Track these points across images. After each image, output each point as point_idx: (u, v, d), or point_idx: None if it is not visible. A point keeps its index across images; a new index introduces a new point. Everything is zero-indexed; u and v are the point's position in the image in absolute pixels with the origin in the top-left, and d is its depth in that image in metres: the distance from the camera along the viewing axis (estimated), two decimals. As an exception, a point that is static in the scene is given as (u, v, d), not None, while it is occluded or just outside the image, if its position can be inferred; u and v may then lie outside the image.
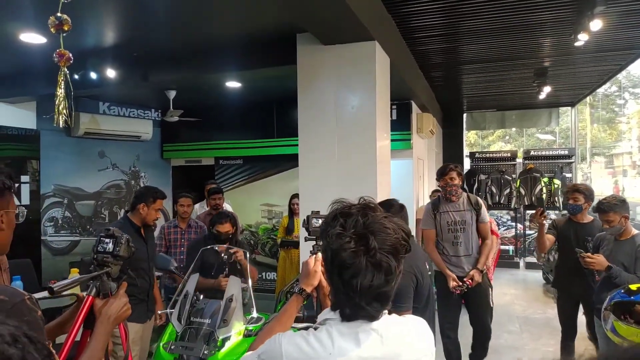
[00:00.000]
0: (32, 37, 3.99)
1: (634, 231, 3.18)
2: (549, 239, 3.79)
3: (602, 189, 18.19)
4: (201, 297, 2.21)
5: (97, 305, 1.44)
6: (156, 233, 4.19)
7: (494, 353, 4.79)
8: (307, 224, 1.67)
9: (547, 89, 6.78)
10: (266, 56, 4.36)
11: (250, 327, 2.09)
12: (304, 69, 3.96)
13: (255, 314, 2.10)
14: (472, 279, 3.65)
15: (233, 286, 2.05)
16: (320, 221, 1.63)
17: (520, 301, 6.91)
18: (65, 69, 2.00)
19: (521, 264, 9.43)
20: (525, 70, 6.41)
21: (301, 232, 4.17)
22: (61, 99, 1.97)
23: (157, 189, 3.28)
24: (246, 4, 3.57)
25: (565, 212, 9.31)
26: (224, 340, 1.95)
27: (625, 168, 23.34)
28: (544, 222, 3.72)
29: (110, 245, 1.55)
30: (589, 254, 3.23)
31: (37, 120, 6.15)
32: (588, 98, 10.33)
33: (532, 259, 9.22)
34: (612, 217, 3.10)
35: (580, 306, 3.79)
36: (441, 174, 3.80)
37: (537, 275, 8.35)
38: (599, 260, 3.10)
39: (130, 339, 2.05)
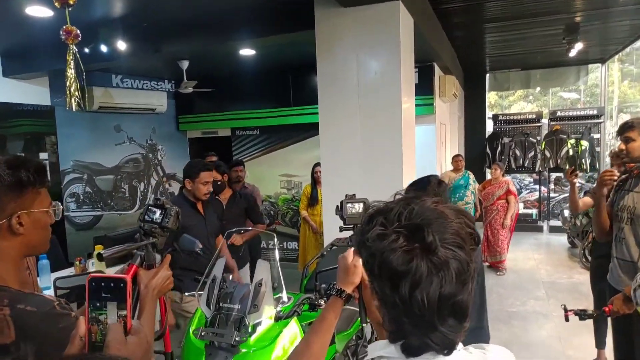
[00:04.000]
0: (38, 10, 3.85)
1: None
2: (585, 202, 3.54)
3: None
4: (230, 277, 2.13)
5: (140, 275, 1.38)
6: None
7: (522, 320, 4.73)
8: (341, 210, 1.50)
9: (578, 46, 6.40)
10: (282, 21, 4.14)
11: (280, 308, 2.01)
12: (323, 33, 3.75)
13: (284, 296, 2.02)
14: None
15: (262, 270, 1.96)
16: (356, 206, 1.49)
17: (545, 266, 6.79)
18: (74, 47, 1.87)
19: (545, 227, 9.26)
20: (554, 27, 6.06)
21: (323, 208, 4.07)
22: (72, 80, 1.85)
23: (201, 162, 3.18)
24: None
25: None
26: (255, 325, 1.88)
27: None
28: (575, 181, 3.44)
29: (158, 215, 1.49)
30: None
31: (51, 95, 6.08)
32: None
33: (556, 223, 9.03)
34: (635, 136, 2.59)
35: None
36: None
37: (562, 239, 8.18)
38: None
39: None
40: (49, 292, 3.33)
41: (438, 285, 0.75)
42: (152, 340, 1.29)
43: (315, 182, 5.50)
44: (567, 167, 3.66)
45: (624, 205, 2.57)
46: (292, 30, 4.11)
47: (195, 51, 5.15)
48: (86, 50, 4.63)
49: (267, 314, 1.91)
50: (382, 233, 0.80)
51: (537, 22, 5.84)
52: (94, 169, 6.53)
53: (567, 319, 2.37)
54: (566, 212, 7.61)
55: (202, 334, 1.85)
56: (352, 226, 1.48)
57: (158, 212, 1.50)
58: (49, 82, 6.03)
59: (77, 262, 3.90)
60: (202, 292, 2.00)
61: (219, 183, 3.88)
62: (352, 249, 1.27)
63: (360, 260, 1.20)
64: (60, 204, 1.21)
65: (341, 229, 1.50)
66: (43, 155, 5.81)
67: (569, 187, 3.50)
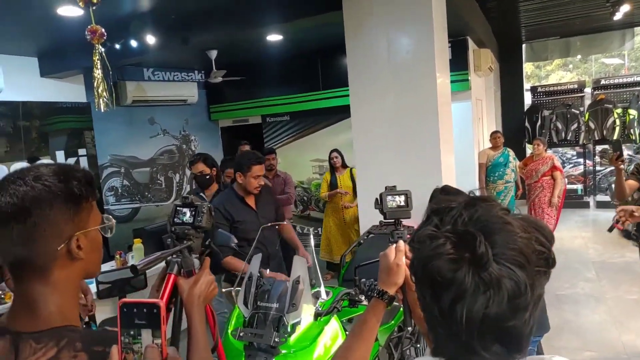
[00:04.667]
0: (69, 10, 3.89)
1: None
2: (630, 185, 3.25)
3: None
4: (267, 271, 2.08)
5: (181, 284, 1.26)
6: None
7: (573, 303, 4.53)
8: (380, 204, 1.40)
9: (624, 8, 5.97)
10: (308, 3, 4.02)
11: (319, 305, 1.96)
12: (351, 13, 3.62)
13: (323, 292, 1.96)
14: None
15: (299, 266, 1.89)
16: (397, 199, 1.39)
17: (594, 245, 6.49)
18: (100, 47, 1.83)
19: (591, 203, 8.85)
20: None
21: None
22: (99, 80, 1.82)
23: (253, 154, 3.06)
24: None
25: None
26: (294, 325, 1.83)
27: None
28: (621, 166, 3.19)
29: (189, 216, 1.36)
30: None
31: (87, 92, 6.19)
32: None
33: (603, 198, 8.61)
34: None
35: None
36: None
37: (610, 215, 7.72)
38: None
39: None
40: (92, 287, 3.41)
41: (483, 305, 0.65)
42: (210, 355, 1.20)
43: (333, 168, 5.39)
44: (612, 151, 3.35)
45: None
46: (318, 12, 3.99)
47: (223, 40, 5.12)
48: (117, 46, 4.68)
49: (306, 313, 1.86)
50: (431, 234, 0.71)
51: (576, -15, 5.48)
52: (131, 162, 6.66)
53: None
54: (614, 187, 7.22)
55: (241, 334, 1.82)
56: (393, 221, 1.38)
57: (188, 211, 1.37)
58: (84, 79, 6.14)
59: (118, 256, 3.97)
60: (239, 289, 1.97)
61: (207, 177, 3.63)
62: (394, 246, 1.18)
63: (404, 259, 1.15)
64: (111, 217, 1.04)
65: (381, 224, 1.40)
66: (82, 151, 5.96)
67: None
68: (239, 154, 3.20)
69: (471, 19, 5.29)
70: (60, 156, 5.68)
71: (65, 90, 5.99)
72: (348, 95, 3.81)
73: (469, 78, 5.90)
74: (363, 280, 1.99)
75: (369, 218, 3.63)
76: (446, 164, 3.55)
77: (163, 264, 1.35)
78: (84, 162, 5.91)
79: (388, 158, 3.63)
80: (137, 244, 3.96)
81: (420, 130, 3.51)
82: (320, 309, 1.92)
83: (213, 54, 5.64)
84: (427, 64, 3.44)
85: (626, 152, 8.00)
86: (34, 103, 5.47)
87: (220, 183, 3.85)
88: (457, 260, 0.66)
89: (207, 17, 4.55)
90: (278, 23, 4.42)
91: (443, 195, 1.83)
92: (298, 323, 1.83)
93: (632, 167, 3.45)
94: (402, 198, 1.41)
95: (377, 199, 1.42)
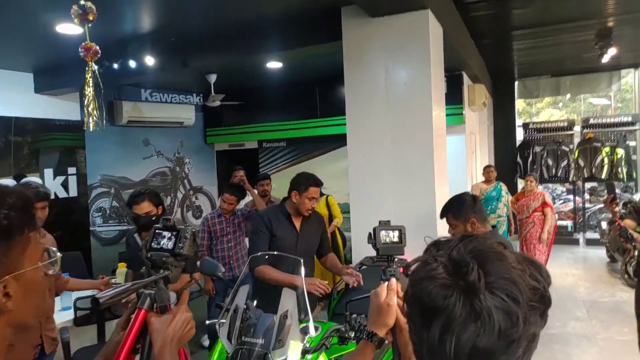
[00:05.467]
0: (68, 28, 3.90)
1: None
2: (628, 225, 3.29)
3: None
4: (254, 304, 2.00)
5: (153, 323, 1.07)
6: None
7: (563, 343, 4.47)
8: (374, 239, 1.35)
9: (611, 51, 6.15)
10: (309, 33, 4.09)
11: (307, 341, 1.88)
12: (350, 44, 3.67)
13: (311, 327, 1.88)
14: None
15: (287, 300, 1.82)
16: (391, 234, 1.36)
17: (585, 282, 6.46)
18: (93, 64, 1.81)
19: (581, 240, 8.88)
20: (584, 32, 5.85)
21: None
22: (90, 98, 1.79)
23: (312, 175, 2.96)
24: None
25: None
26: (279, 363, 1.75)
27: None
28: (616, 209, 3.25)
29: (170, 241, 1.17)
30: None
31: (81, 110, 6.16)
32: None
33: (592, 235, 8.65)
34: None
35: None
36: None
37: (600, 253, 7.80)
38: None
39: None
40: (69, 312, 3.24)
41: (473, 335, 0.62)
42: None
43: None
44: (607, 194, 3.40)
45: None
46: (319, 41, 4.04)
47: (223, 65, 5.16)
48: (115, 65, 4.68)
49: (293, 350, 1.78)
50: (426, 260, 0.70)
51: (567, 28, 5.64)
52: (121, 183, 6.58)
53: None
54: (603, 225, 7.26)
55: (223, 372, 1.74)
56: (386, 257, 1.33)
57: (170, 236, 1.19)
58: (79, 97, 6.11)
59: (96, 295, 3.81)
60: (224, 321, 1.89)
61: (153, 218, 2.93)
62: (386, 284, 1.12)
63: (395, 299, 1.09)
64: (57, 250, 0.84)
65: (374, 261, 1.36)
66: (72, 170, 5.89)
67: (605, 201, 3.26)
68: (301, 173, 3.04)
69: (467, 55, 5.40)
70: (48, 174, 5.60)
71: (59, 108, 5.95)
72: (345, 124, 3.82)
73: (464, 112, 5.98)
74: (354, 316, 1.92)
75: (361, 248, 3.59)
76: (440, 196, 3.54)
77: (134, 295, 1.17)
78: (73, 181, 5.84)
79: (383, 187, 3.63)
80: (122, 267, 3.79)
81: (416, 161, 3.52)
82: (308, 345, 1.85)
83: (212, 77, 5.67)
84: (423, 96, 3.48)
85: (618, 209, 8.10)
86: (27, 119, 5.43)
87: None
88: (449, 286, 0.65)
89: (208, 41, 4.60)
90: (279, 51, 4.47)
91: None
92: (284, 360, 1.75)
93: (620, 206, 3.47)
94: (396, 234, 1.37)
95: (370, 234, 1.38)
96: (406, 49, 3.48)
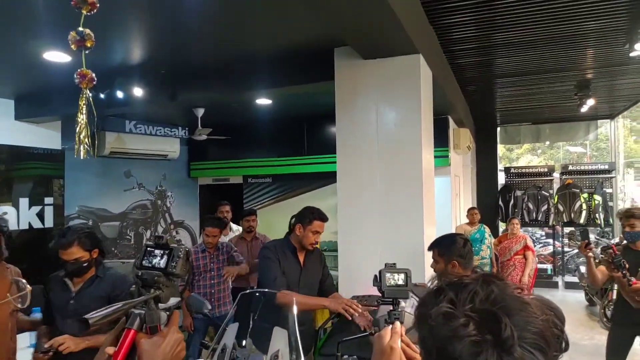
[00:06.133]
0: (55, 56, 3.85)
1: None
2: (602, 271, 3.32)
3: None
4: (244, 343, 1.91)
5: (142, 344, 1.03)
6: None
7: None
8: (379, 281, 1.33)
9: (589, 102, 6.40)
10: (301, 72, 4.14)
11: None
12: (343, 84, 3.72)
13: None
14: None
15: (278, 340, 1.75)
16: (397, 277, 1.33)
17: (565, 326, 6.44)
18: (88, 92, 1.76)
19: (560, 283, 8.94)
20: (564, 83, 6.09)
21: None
22: (83, 126, 1.74)
23: (316, 209, 2.91)
24: (281, 17, 3.37)
25: (611, 238, 8.87)
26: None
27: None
28: (590, 255, 3.29)
29: (162, 259, 1.13)
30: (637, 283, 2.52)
31: (62, 139, 6.04)
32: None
33: (571, 279, 8.73)
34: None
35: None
36: None
37: (579, 296, 7.86)
38: None
39: None
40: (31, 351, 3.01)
41: None
42: None
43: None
44: (581, 239, 3.50)
45: None
46: (311, 80, 4.09)
47: (211, 99, 5.14)
48: (101, 95, 4.63)
49: (285, 393, 1.69)
50: (450, 312, 0.66)
51: (548, 78, 5.87)
52: (100, 215, 6.40)
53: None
54: (582, 268, 7.34)
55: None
56: (391, 300, 1.31)
57: (162, 254, 1.14)
58: (61, 126, 6.00)
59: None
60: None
61: (84, 265, 2.45)
62: (390, 327, 1.11)
63: (399, 342, 1.07)
64: (27, 284, 0.77)
65: (379, 303, 1.33)
66: (48, 200, 5.70)
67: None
68: (307, 207, 2.97)
69: (453, 99, 5.54)
70: (24, 204, 5.40)
71: (39, 136, 5.80)
72: (331, 162, 3.84)
73: (449, 155, 6.07)
74: (345, 357, 1.86)
75: (349, 287, 3.52)
76: (428, 236, 3.52)
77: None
78: (49, 211, 5.64)
79: (372, 226, 3.60)
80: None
81: (405, 201, 3.51)
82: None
83: (200, 111, 5.66)
84: (413, 138, 3.51)
85: (592, 236, 8.26)
86: (3, 146, 5.27)
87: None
88: (480, 343, 0.62)
89: (198, 75, 4.60)
90: (269, 88, 4.50)
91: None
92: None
93: (599, 250, 3.53)
94: (402, 276, 1.37)
95: (375, 276, 1.38)
96: (397, 91, 3.54)
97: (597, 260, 3.34)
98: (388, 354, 1.05)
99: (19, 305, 0.72)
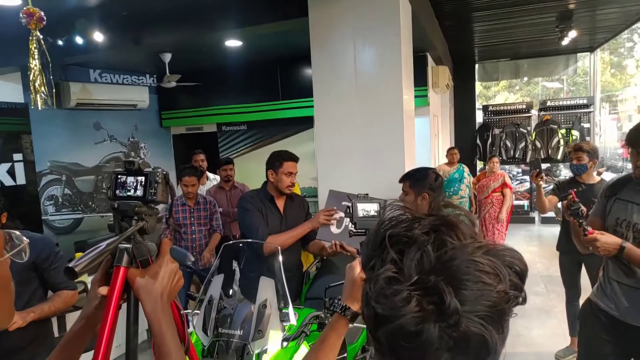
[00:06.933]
0: (5, -1, 3.52)
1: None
2: (551, 200, 3.60)
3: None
4: (231, 292, 1.87)
5: (137, 281, 0.94)
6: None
7: (523, 318, 4.58)
8: (351, 212, 1.27)
9: (572, 34, 6.27)
10: (272, 9, 3.89)
11: (286, 328, 1.78)
12: (317, 21, 3.52)
13: (292, 315, 1.78)
14: None
15: (265, 289, 1.71)
16: (369, 207, 1.28)
17: (541, 259, 6.69)
18: (38, 33, 1.58)
19: (536, 218, 9.20)
20: (545, 15, 5.92)
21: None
22: (37, 72, 1.57)
23: (285, 151, 2.83)
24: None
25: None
26: (260, 354, 1.64)
27: (630, 113, 22.84)
28: (540, 183, 3.55)
29: (138, 187, 1.01)
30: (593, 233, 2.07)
31: (24, 92, 5.72)
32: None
33: (548, 214, 8.97)
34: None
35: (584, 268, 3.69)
36: None
37: (554, 230, 8.02)
38: (608, 241, 1.98)
39: None
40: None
41: None
42: None
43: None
44: (531, 169, 3.68)
45: (629, 222, 2.00)
46: (283, 17, 3.86)
47: (178, 43, 4.86)
48: (60, 42, 4.32)
49: (273, 340, 1.67)
50: (392, 278, 0.59)
51: (528, 10, 5.69)
52: (73, 170, 6.20)
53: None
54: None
55: (200, 365, 1.61)
56: (364, 231, 1.26)
57: (136, 181, 1.02)
58: (21, 77, 5.66)
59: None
60: (197, 312, 1.76)
61: None
62: (360, 258, 1.06)
63: None
64: (23, 236, 0.72)
65: (351, 235, 1.29)
66: (18, 156, 5.47)
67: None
68: (274, 152, 2.86)
69: (432, 36, 5.35)
70: (-8, 161, 5.18)
71: (0, 89, 5.50)
72: (307, 107, 3.71)
73: (428, 94, 5.96)
74: (332, 300, 1.85)
75: (328, 231, 3.50)
76: (409, 178, 3.49)
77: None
78: (20, 168, 5.43)
79: (351, 169, 3.54)
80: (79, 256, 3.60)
81: (385, 143, 3.44)
82: (286, 333, 1.75)
83: (167, 57, 5.37)
84: (393, 77, 3.39)
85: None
86: (-36, 102, 4.97)
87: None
88: (424, 317, 0.57)
89: (162, 17, 4.30)
90: (239, 28, 4.24)
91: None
92: (265, 352, 1.65)
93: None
94: (374, 207, 1.31)
95: (347, 207, 1.32)
96: (376, 27, 3.37)
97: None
98: (359, 284, 1.04)
99: (18, 260, 0.65)
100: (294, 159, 2.79)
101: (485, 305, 0.57)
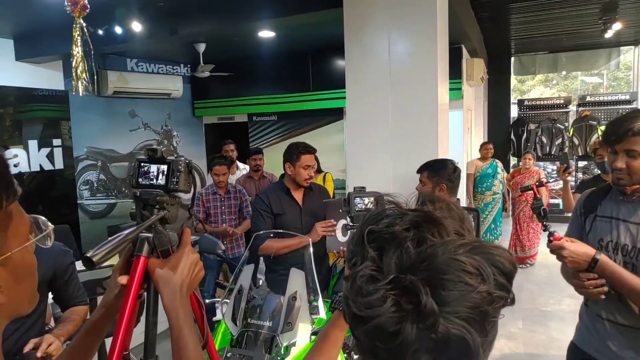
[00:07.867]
0: (50, -11, 3.62)
1: None
2: (577, 198, 3.40)
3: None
4: (260, 282, 1.88)
5: (157, 272, 0.93)
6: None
7: (558, 320, 4.47)
8: (347, 206, 1.24)
9: (616, 26, 6.00)
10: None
11: (315, 320, 1.77)
12: (352, 11, 3.47)
13: (321, 307, 1.77)
14: None
15: (295, 281, 1.71)
16: (366, 201, 1.25)
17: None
18: (82, 21, 1.61)
19: (572, 217, 8.91)
20: (588, 6, 5.67)
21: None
22: (79, 59, 1.61)
23: (302, 143, 2.81)
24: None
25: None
26: (289, 346, 1.64)
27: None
28: (569, 179, 3.48)
29: (161, 176, 0.99)
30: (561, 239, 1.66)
31: (65, 80, 5.90)
32: None
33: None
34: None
35: None
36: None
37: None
38: (577, 251, 1.59)
39: None
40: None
41: None
42: (202, 356, 0.93)
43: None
44: (559, 164, 3.53)
45: (616, 244, 1.65)
46: (317, 8, 3.84)
47: (212, 33, 4.91)
48: (100, 32, 4.42)
49: (302, 333, 1.67)
50: (372, 277, 0.57)
51: (570, 1, 5.47)
52: (108, 156, 6.38)
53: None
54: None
55: (228, 355, 1.63)
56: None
57: (159, 169, 1.00)
58: (62, 66, 5.84)
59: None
60: (227, 301, 1.78)
61: None
62: None
63: None
64: (47, 221, 0.70)
65: (347, 229, 1.25)
66: (57, 142, 5.66)
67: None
68: (291, 144, 2.86)
69: (468, 27, 5.22)
70: (33, 146, 5.36)
71: (41, 77, 5.68)
72: (338, 98, 3.67)
73: (462, 87, 5.83)
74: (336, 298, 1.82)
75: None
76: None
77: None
78: (58, 153, 5.62)
79: (383, 162, 3.49)
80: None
81: (419, 137, 3.37)
82: (315, 327, 1.75)
83: (201, 47, 5.43)
84: (429, 68, 3.31)
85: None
86: (8, 88, 5.16)
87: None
88: (401, 318, 0.55)
89: (197, 8, 4.35)
90: (272, 18, 4.24)
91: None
92: (293, 344, 1.65)
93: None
94: (371, 200, 1.27)
95: (344, 200, 1.29)
96: (412, 18, 3.29)
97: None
98: None
99: (43, 246, 0.65)
100: (311, 151, 2.77)
101: (467, 306, 0.54)
